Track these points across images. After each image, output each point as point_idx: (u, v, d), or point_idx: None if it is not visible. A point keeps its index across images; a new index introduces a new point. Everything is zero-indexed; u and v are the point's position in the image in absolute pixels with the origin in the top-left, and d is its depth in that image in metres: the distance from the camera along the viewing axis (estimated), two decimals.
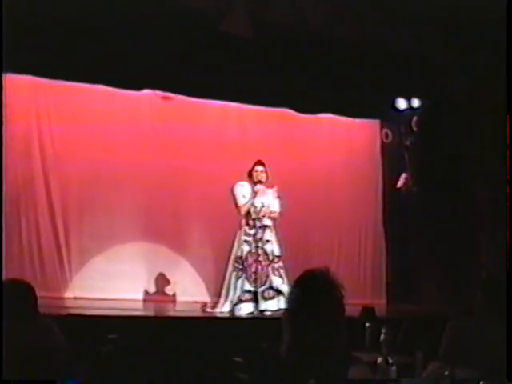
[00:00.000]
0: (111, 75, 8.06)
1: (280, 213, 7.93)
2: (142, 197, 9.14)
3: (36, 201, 8.72)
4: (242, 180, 7.90)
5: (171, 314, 8.24)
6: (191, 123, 9.55)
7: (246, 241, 7.76)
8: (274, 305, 7.54)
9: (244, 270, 7.68)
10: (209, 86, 8.52)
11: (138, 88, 8.69)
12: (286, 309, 2.64)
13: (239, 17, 7.90)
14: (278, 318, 2.69)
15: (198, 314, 7.81)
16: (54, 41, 7.28)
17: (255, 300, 7.61)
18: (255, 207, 7.78)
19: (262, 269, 7.71)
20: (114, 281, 8.79)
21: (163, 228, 9.24)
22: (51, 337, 3.87)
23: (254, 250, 7.73)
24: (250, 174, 7.89)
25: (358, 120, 10.42)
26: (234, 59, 8.21)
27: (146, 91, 8.86)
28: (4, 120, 6.84)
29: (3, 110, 6.65)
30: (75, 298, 8.64)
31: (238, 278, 7.68)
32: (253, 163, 7.93)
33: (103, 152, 8.96)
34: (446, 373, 3.08)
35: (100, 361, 5.17)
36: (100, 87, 8.44)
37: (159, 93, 9.13)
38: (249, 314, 7.53)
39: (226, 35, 7.89)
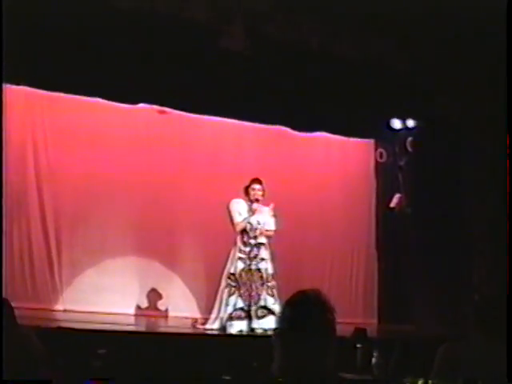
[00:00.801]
0: (108, 88, 8.06)
1: (275, 231, 7.91)
2: (135, 211, 9.13)
3: (29, 213, 8.70)
4: (237, 197, 7.89)
5: (162, 329, 8.21)
6: (187, 139, 9.56)
7: (240, 258, 7.73)
8: (266, 324, 7.49)
9: (237, 287, 7.65)
10: (206, 101, 8.52)
11: (135, 102, 8.68)
12: (276, 328, 2.62)
13: (238, 33, 7.92)
14: (268, 337, 2.67)
15: (189, 330, 7.77)
16: (51, 53, 7.28)
17: (248, 318, 7.57)
18: (251, 225, 7.76)
19: (256, 287, 7.68)
20: (105, 294, 8.75)
21: (156, 243, 9.22)
22: (29, 347, 3.84)
23: (248, 268, 7.71)
24: (246, 192, 7.86)
25: (352, 139, 10.45)
26: (232, 75, 8.22)
27: (142, 105, 8.86)
28: (4, 131, 6.85)
29: (3, 120, 6.66)
30: (65, 311, 8.59)
31: (230, 295, 7.63)
32: (249, 180, 7.90)
33: (98, 165, 8.96)
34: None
35: (89, 375, 5.13)
36: (97, 100, 8.44)
37: (156, 107, 9.13)
38: (239, 331, 7.48)
39: (225, 51, 7.91)
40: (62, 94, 8.37)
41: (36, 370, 3.72)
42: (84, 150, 8.96)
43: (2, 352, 3.42)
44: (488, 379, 2.84)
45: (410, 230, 10.15)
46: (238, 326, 7.52)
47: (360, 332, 6.49)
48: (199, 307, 9.13)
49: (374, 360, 3.53)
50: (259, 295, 7.66)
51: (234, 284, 7.65)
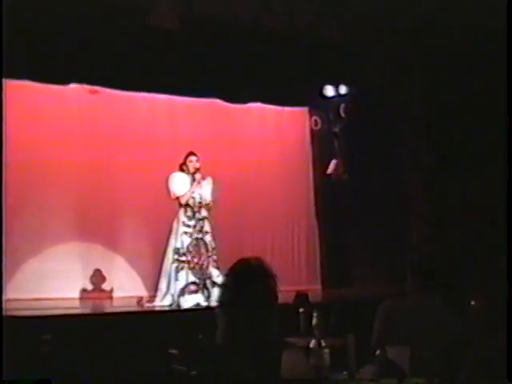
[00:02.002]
0: (37, 70, 7.89)
1: (213, 202, 7.91)
2: (73, 194, 9.01)
3: None
4: (174, 171, 7.86)
5: (108, 310, 8.17)
6: (120, 117, 9.47)
7: (185, 232, 7.71)
8: (213, 296, 7.52)
9: (186, 261, 7.64)
10: (137, 78, 8.44)
11: (65, 82, 8.53)
12: (219, 296, 2.66)
13: (165, 9, 7.86)
14: (212, 309, 2.71)
15: (135, 308, 7.76)
16: None
17: (205, 290, 7.59)
18: (193, 198, 7.75)
19: (204, 260, 7.71)
20: (48, 281, 8.65)
21: (96, 225, 9.13)
22: None
23: (194, 242, 7.71)
24: (182, 166, 7.83)
25: (286, 108, 10.49)
26: (161, 51, 8.17)
27: (73, 85, 8.72)
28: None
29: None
30: (8, 300, 8.47)
31: (179, 270, 7.61)
32: (184, 155, 7.89)
33: (31, 150, 8.79)
34: (377, 352, 3.16)
35: (37, 361, 5.11)
36: (26, 82, 8.26)
37: (87, 87, 8.99)
38: (196, 305, 7.50)
39: (152, 27, 7.84)
40: None
41: None
42: (17, 134, 8.77)
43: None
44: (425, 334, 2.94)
45: (348, 194, 10.29)
46: (192, 300, 7.52)
47: (302, 297, 6.61)
48: (145, 285, 9.11)
49: (313, 322, 3.61)
50: (207, 268, 7.69)
51: (182, 259, 7.64)
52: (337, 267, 10.45)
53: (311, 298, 7.15)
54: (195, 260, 7.67)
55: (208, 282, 7.64)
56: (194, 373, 2.68)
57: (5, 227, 8.49)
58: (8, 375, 3.64)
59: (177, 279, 7.60)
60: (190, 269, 7.63)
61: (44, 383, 3.31)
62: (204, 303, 7.52)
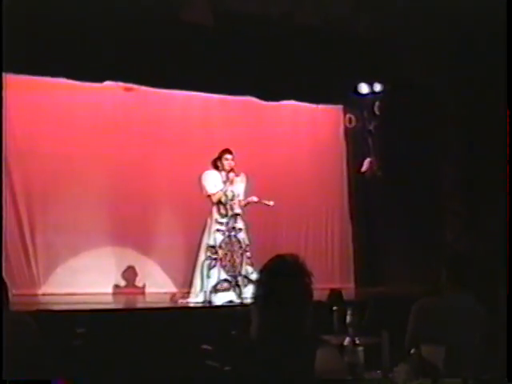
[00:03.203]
0: (72, 67, 7.94)
1: (247, 199, 7.92)
2: (106, 190, 9.10)
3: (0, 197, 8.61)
4: (208, 169, 7.88)
5: (141, 305, 8.22)
6: (155, 114, 9.51)
7: (218, 230, 7.72)
8: (248, 293, 7.52)
9: (218, 259, 7.66)
10: (171, 75, 8.46)
11: (100, 80, 8.59)
12: (254, 293, 2.65)
13: (199, 5, 7.87)
14: (247, 306, 2.70)
15: (169, 304, 7.80)
16: (13, 33, 7.13)
17: (237, 287, 7.61)
18: (226, 196, 7.77)
19: (237, 257, 7.72)
20: (81, 276, 8.74)
21: (130, 221, 9.19)
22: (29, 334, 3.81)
23: (227, 239, 7.73)
24: (216, 162, 7.84)
25: (320, 106, 10.45)
26: (196, 48, 8.18)
27: (107, 83, 8.77)
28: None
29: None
30: (44, 295, 8.57)
31: (211, 268, 7.63)
32: (219, 152, 7.88)
33: (66, 146, 8.88)
34: (413, 350, 3.13)
35: (71, 355, 5.15)
36: (61, 80, 8.34)
37: (121, 84, 9.04)
38: (229, 302, 7.51)
39: (187, 24, 7.86)
40: (25, 76, 8.27)
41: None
42: (51, 131, 8.88)
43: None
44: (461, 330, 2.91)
45: (382, 192, 10.23)
46: (224, 297, 7.54)
47: (335, 294, 6.57)
48: (177, 282, 9.15)
49: (348, 320, 3.59)
50: (241, 265, 7.70)
51: (214, 256, 7.65)
52: (370, 265, 10.39)
53: (345, 296, 7.12)
54: (227, 257, 7.68)
55: (240, 279, 7.65)
56: (227, 369, 2.67)
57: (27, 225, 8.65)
58: (38, 370, 3.64)
59: (209, 276, 7.62)
60: (222, 266, 7.64)
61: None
62: (236, 300, 7.53)
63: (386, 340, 3.25)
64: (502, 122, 7.88)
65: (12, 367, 3.36)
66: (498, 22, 6.37)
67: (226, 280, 7.62)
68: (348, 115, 10.66)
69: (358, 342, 3.11)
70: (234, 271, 7.67)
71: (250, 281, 7.53)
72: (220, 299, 7.53)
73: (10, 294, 3.85)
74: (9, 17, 6.75)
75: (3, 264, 8.29)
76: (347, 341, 3.13)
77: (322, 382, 2.47)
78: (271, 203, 7.95)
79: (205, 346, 4.34)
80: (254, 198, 7.91)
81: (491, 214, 8.46)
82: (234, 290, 7.59)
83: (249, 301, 7.21)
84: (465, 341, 3.64)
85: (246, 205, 7.91)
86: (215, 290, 7.57)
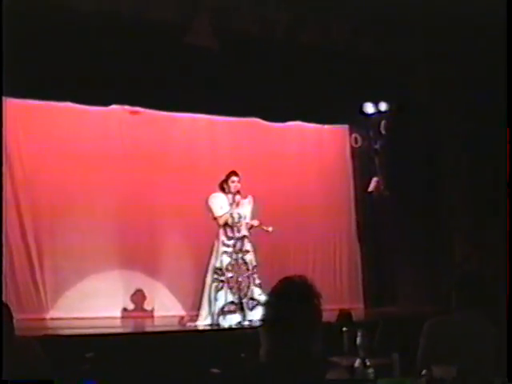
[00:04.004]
0: (78, 92, 7.98)
1: (250, 222, 7.90)
2: (114, 213, 9.09)
3: (7, 222, 8.60)
4: (214, 191, 7.89)
5: (149, 329, 8.19)
6: (161, 137, 9.53)
7: (225, 252, 7.73)
8: (256, 315, 7.49)
9: (225, 281, 7.64)
10: (177, 98, 8.49)
11: (106, 104, 8.63)
12: (263, 315, 2.63)
13: (203, 28, 7.91)
14: (256, 328, 2.68)
15: (178, 328, 7.77)
16: (17, 58, 7.17)
17: (241, 310, 7.58)
18: (233, 218, 7.77)
19: (243, 279, 7.70)
20: (90, 300, 8.71)
21: (138, 245, 9.18)
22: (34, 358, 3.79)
23: (234, 261, 7.72)
24: (223, 185, 7.85)
25: (326, 126, 10.45)
26: (200, 71, 8.21)
27: (114, 107, 8.81)
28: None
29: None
30: (51, 319, 8.55)
31: (218, 290, 7.63)
32: (225, 174, 7.90)
33: (73, 170, 8.89)
34: (424, 371, 3.10)
35: (79, 380, 5.11)
36: (67, 104, 8.37)
37: (127, 108, 9.08)
38: (238, 324, 7.49)
39: (191, 47, 7.89)
40: (32, 101, 8.31)
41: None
42: (58, 155, 8.90)
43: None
44: (473, 350, 2.88)
45: (390, 212, 10.20)
46: (231, 320, 7.53)
47: (345, 315, 6.54)
48: (185, 305, 9.12)
49: (358, 341, 3.56)
50: (248, 287, 7.69)
51: (221, 278, 7.65)
52: (378, 285, 10.34)
53: (354, 317, 7.08)
54: (234, 279, 7.66)
55: (245, 301, 7.62)
56: None
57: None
58: None
59: (216, 299, 7.61)
60: (229, 288, 7.63)
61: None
62: (243, 323, 7.50)
63: (396, 361, 3.22)
64: (509, 137, 7.88)
65: None
66: (500, 40, 6.39)
67: (232, 302, 7.61)
68: (354, 135, 10.64)
69: (368, 363, 3.08)
70: (241, 293, 7.64)
71: (258, 303, 7.51)
72: (227, 321, 7.50)
73: (14, 319, 3.84)
74: (14, 41, 6.80)
75: (9, 288, 8.30)
76: (358, 362, 3.10)
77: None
78: (270, 229, 7.91)
79: (214, 370, 4.31)
80: (255, 222, 7.90)
81: (500, 233, 8.42)
82: (241, 313, 7.56)
83: (257, 323, 7.20)
84: (476, 361, 3.59)
85: (251, 227, 7.90)
86: (222, 312, 7.56)
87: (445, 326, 3.92)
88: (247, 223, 7.86)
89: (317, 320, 2.55)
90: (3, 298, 7.23)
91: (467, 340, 3.75)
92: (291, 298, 2.54)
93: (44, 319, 8.53)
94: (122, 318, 8.80)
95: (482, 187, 9.22)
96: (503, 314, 3.91)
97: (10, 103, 8.30)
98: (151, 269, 9.28)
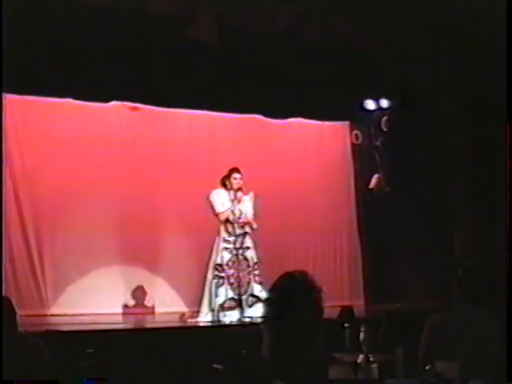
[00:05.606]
0: (78, 88, 7.97)
1: (255, 216, 7.89)
2: (115, 209, 9.07)
3: (7, 219, 8.59)
4: (215, 187, 7.87)
5: (150, 325, 8.18)
6: (162, 133, 9.52)
7: (225, 248, 7.72)
8: (256, 312, 7.49)
9: (225, 277, 7.64)
10: (178, 95, 8.49)
11: (107, 100, 8.61)
12: (264, 311, 2.62)
13: (205, 23, 7.90)
14: (257, 324, 2.67)
15: (179, 324, 7.76)
16: (17, 54, 7.16)
17: (240, 307, 7.58)
18: (234, 214, 7.75)
19: (244, 276, 7.69)
20: (90, 296, 8.70)
21: (138, 242, 9.16)
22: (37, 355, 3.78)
23: (234, 258, 7.71)
24: (225, 181, 7.84)
25: (327, 123, 10.45)
26: (202, 67, 8.20)
27: (114, 103, 8.79)
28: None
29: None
30: (52, 315, 8.54)
31: (218, 286, 7.62)
32: (226, 170, 7.88)
33: (73, 166, 8.88)
34: (428, 367, 3.09)
35: (80, 375, 5.11)
36: (68, 101, 8.36)
37: (128, 104, 9.06)
38: (238, 320, 7.47)
39: (192, 42, 7.88)
40: (32, 97, 8.30)
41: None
42: (58, 152, 8.88)
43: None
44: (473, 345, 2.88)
45: (391, 208, 10.19)
46: (232, 316, 7.52)
47: (347, 311, 6.53)
48: (186, 301, 9.11)
49: (361, 337, 3.55)
50: (248, 284, 7.68)
51: (221, 275, 7.65)
52: (379, 282, 10.33)
53: (355, 313, 7.07)
54: (234, 276, 7.65)
55: (244, 298, 7.62)
56: None
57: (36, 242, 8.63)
58: None
59: (217, 295, 7.61)
60: (230, 284, 7.63)
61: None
62: (243, 319, 7.49)
63: (400, 357, 3.22)
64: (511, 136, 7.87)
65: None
66: (500, 35, 6.38)
67: (233, 298, 7.60)
68: (354, 132, 10.65)
69: (372, 359, 3.07)
70: (241, 289, 7.64)
71: (258, 299, 7.51)
72: (227, 318, 7.49)
73: (17, 315, 3.83)
74: (14, 37, 6.79)
75: (10, 285, 8.29)
76: (361, 358, 3.09)
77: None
78: (255, 226, 7.88)
79: (215, 365, 4.30)
80: (249, 216, 7.86)
81: (502, 229, 8.41)
82: (241, 309, 7.56)
83: (258, 319, 7.21)
84: (479, 355, 3.59)
85: (246, 224, 7.87)
86: (222, 308, 7.55)
87: (447, 323, 3.91)
88: (248, 219, 7.84)
89: (319, 314, 2.54)
90: (4, 294, 7.25)
91: (469, 335, 3.75)
92: (292, 293, 2.53)
93: (45, 315, 8.52)
94: (123, 314, 8.79)
95: (484, 183, 9.21)
96: (504, 310, 3.90)
97: (10, 99, 8.33)
98: (152, 265, 9.27)
